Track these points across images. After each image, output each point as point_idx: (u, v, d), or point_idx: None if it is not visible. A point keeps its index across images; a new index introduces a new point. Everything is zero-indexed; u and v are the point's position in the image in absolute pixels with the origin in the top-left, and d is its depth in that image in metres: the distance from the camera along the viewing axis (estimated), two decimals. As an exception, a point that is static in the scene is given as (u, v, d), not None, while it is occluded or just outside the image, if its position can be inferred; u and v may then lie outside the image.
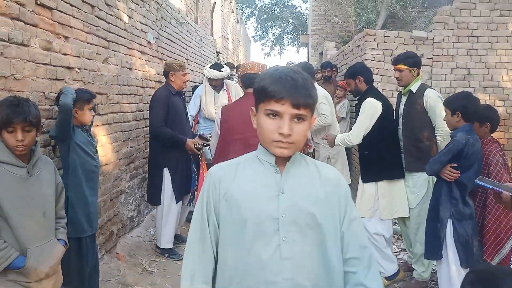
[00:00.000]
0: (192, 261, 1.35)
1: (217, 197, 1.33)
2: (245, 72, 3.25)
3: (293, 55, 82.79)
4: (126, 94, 4.45)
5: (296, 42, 26.30)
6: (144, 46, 5.10)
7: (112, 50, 4.12)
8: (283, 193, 1.29)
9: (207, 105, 5.32)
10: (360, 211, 3.65)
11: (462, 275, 2.84)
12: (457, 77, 6.27)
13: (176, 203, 4.28)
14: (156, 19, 5.65)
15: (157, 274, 3.98)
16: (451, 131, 3.08)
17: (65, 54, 3.15)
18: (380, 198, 3.67)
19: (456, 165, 2.94)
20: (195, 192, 4.34)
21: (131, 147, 4.64)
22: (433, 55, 6.26)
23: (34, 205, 2.13)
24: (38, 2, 2.83)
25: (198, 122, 5.63)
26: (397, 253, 4.49)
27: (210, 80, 5.25)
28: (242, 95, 5.42)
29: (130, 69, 4.57)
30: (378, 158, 3.65)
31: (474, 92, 6.23)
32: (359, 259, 1.32)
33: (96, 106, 3.16)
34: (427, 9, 14.39)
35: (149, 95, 5.20)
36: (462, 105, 2.95)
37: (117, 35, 4.25)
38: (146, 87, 5.11)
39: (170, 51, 6.35)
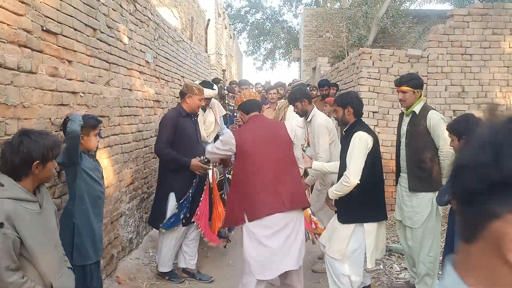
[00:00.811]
0: None
1: None
2: (245, 100, 3.42)
3: (284, 70, 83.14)
4: (127, 116, 4.46)
5: (287, 57, 26.53)
6: (143, 66, 5.12)
7: (113, 71, 4.13)
8: None
9: None
10: (329, 250, 3.41)
11: None
12: (451, 94, 6.38)
13: (183, 226, 4.21)
14: (154, 39, 5.68)
15: (159, 298, 3.95)
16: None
17: (70, 79, 3.16)
18: (367, 242, 3.32)
19: None
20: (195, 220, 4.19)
21: (130, 168, 4.62)
22: (428, 72, 6.37)
23: (49, 238, 2.10)
24: (44, 28, 2.84)
25: None
26: (398, 272, 4.51)
27: None
28: (223, 113, 5.56)
29: (130, 90, 4.58)
30: (367, 197, 3.31)
31: (469, 109, 6.34)
32: None
33: (100, 131, 3.15)
34: (417, 24, 14.65)
35: (148, 115, 5.22)
36: (467, 129, 2.95)
37: (118, 56, 4.27)
38: (145, 107, 5.12)
39: (167, 70, 6.38)
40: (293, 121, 5.54)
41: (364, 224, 3.31)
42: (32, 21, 2.68)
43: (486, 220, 0.60)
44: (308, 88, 6.85)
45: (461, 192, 0.64)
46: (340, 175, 3.41)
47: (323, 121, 4.42)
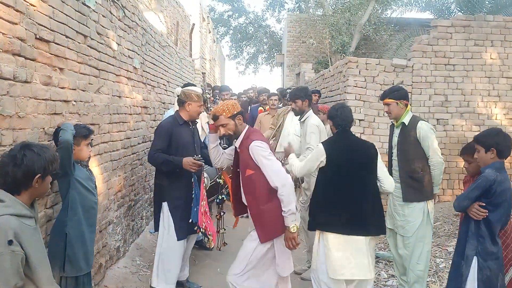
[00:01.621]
0: None
1: None
2: (234, 113, 3.35)
3: (267, 74, 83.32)
4: (116, 123, 4.43)
5: (270, 61, 26.64)
6: (131, 72, 5.09)
7: (102, 78, 4.10)
8: None
9: None
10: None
11: None
12: (435, 103, 6.53)
13: (178, 240, 4.01)
14: (142, 44, 5.66)
15: (149, 307, 3.92)
16: (481, 168, 3.00)
17: (62, 88, 3.13)
18: (329, 253, 3.18)
19: (484, 204, 2.89)
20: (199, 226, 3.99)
21: (119, 175, 4.59)
22: (413, 82, 6.51)
23: (45, 254, 2.08)
24: (38, 36, 2.81)
25: None
26: (386, 279, 4.59)
27: None
28: (207, 120, 5.51)
29: (119, 97, 4.55)
30: (328, 206, 3.27)
31: (452, 118, 6.50)
32: None
33: (92, 140, 3.13)
34: (398, 32, 14.92)
35: (136, 122, 5.20)
36: (496, 142, 2.91)
37: (107, 63, 4.24)
38: (134, 114, 5.09)
39: (154, 75, 6.36)
40: (290, 129, 5.59)
41: (326, 233, 3.22)
42: (26, 29, 2.66)
43: None
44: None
45: None
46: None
47: (316, 122, 4.59)
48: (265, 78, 74.99)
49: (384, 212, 3.43)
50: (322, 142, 3.43)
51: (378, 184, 3.33)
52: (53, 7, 3.03)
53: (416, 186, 3.76)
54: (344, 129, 3.43)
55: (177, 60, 8.66)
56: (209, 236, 4.13)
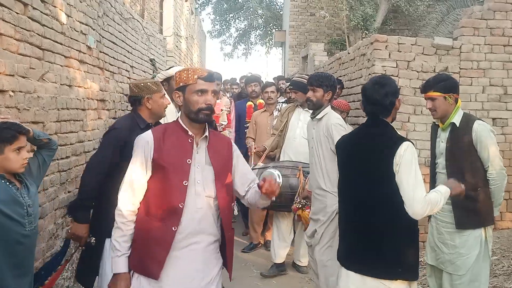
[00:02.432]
0: None
1: None
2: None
3: (262, 58, 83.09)
4: (65, 121, 4.46)
5: (267, 40, 26.79)
6: (84, 53, 5.13)
7: (48, 61, 4.14)
8: None
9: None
10: None
11: None
12: (490, 97, 6.61)
13: None
14: (98, 16, 5.71)
15: None
16: None
17: (-4, 73, 3.15)
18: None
19: None
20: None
21: (69, 191, 4.62)
22: (460, 68, 6.58)
23: None
24: (-37, 4, 2.85)
25: None
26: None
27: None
28: None
29: (70, 86, 4.59)
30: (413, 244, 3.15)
31: (512, 116, 6.59)
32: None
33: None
34: (439, 2, 15.06)
35: (91, 120, 5.23)
36: None
37: (53, 40, 4.28)
38: (88, 109, 5.13)
39: (113, 57, 6.40)
40: (297, 130, 5.63)
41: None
42: (-51, -6, 2.69)
43: None
44: None
45: None
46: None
47: (341, 121, 4.52)
48: (260, 63, 75.06)
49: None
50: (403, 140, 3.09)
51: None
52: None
53: (472, 207, 3.75)
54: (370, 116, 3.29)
55: (144, 38, 8.70)
56: None
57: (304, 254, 5.79)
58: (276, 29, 23.23)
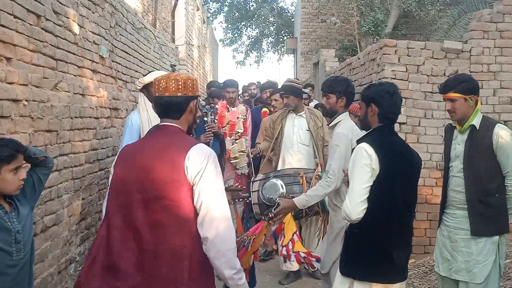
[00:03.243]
0: None
1: None
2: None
3: (274, 65, 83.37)
4: (79, 129, 4.53)
5: (278, 48, 26.87)
6: (97, 63, 5.21)
7: (61, 71, 4.21)
8: None
9: None
10: None
11: None
12: (501, 100, 6.60)
13: None
14: (110, 27, 5.79)
15: None
16: None
17: (11, 83, 3.23)
18: None
19: None
20: None
21: (83, 199, 4.68)
22: (470, 72, 6.56)
23: None
24: (-22, 16, 2.92)
25: None
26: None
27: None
28: None
29: (82, 95, 4.66)
30: (373, 244, 3.21)
31: (524, 119, 6.56)
32: None
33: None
34: (450, 7, 15.03)
35: (104, 128, 5.30)
36: None
37: (67, 51, 4.36)
38: (101, 117, 5.20)
39: (126, 66, 6.48)
40: (294, 137, 5.57)
41: (373, 284, 3.20)
42: (-36, 7, 2.77)
43: None
44: None
45: None
46: None
47: (344, 130, 4.14)
48: (272, 70, 75.17)
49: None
50: (366, 143, 3.20)
51: None
52: (-2, -22, 3.14)
53: (489, 214, 3.64)
54: (392, 125, 3.39)
55: (156, 47, 8.80)
56: None
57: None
58: (288, 36, 23.30)
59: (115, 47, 6.04)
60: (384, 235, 3.17)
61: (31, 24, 3.65)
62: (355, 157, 3.17)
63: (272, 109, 7.08)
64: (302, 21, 17.74)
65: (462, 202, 3.71)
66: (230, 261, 2.48)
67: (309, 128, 5.75)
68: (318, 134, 5.77)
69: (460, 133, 3.81)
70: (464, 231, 3.72)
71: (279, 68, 73.01)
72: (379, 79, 6.54)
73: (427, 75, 6.47)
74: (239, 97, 9.69)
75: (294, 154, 5.73)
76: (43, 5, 3.85)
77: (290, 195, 4.51)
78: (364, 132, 3.61)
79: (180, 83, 2.57)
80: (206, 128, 5.79)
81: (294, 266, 5.46)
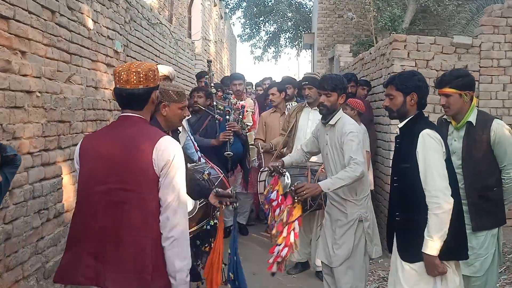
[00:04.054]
0: None
1: None
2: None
3: (292, 60, 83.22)
4: (92, 121, 4.69)
5: (296, 43, 26.88)
6: (111, 57, 5.36)
7: (75, 64, 4.37)
8: None
9: None
10: None
11: None
12: (511, 95, 6.62)
13: None
14: (125, 22, 5.95)
15: None
16: None
17: (24, 76, 3.39)
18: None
19: None
20: None
21: (95, 188, 4.83)
22: (480, 67, 6.61)
23: None
24: (-6, 12, 3.08)
25: None
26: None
27: None
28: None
29: (96, 88, 4.81)
30: (454, 223, 3.16)
31: (534, 114, 6.59)
32: None
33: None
34: (469, 1, 14.93)
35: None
36: None
37: (80, 45, 4.51)
38: (114, 110, 5.35)
39: (141, 61, 6.61)
40: (307, 130, 5.53)
41: (446, 262, 3.16)
42: (-20, 3, 2.93)
43: None
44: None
45: None
46: (401, 197, 3.30)
47: (354, 128, 4.16)
48: (289, 66, 74.73)
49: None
50: (428, 128, 3.18)
51: None
52: (13, -25, 3.30)
53: (489, 208, 3.69)
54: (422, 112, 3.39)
55: (172, 42, 8.94)
56: None
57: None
58: (305, 32, 23.32)
59: (130, 42, 6.20)
60: (457, 214, 3.14)
61: (45, 20, 3.81)
62: (427, 145, 3.11)
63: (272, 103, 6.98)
64: (319, 16, 17.75)
65: (464, 198, 3.66)
66: (182, 252, 2.53)
67: None
68: None
69: (456, 129, 3.80)
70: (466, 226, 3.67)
71: (297, 63, 72.70)
72: (388, 73, 6.60)
73: (436, 70, 6.50)
74: (252, 91, 9.79)
75: None
76: (58, 1, 4.00)
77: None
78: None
79: (141, 75, 2.55)
80: (226, 126, 5.89)
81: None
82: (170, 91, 3.62)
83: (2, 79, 3.10)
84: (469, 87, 3.72)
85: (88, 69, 4.70)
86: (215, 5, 16.23)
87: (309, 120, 5.70)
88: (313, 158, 5.31)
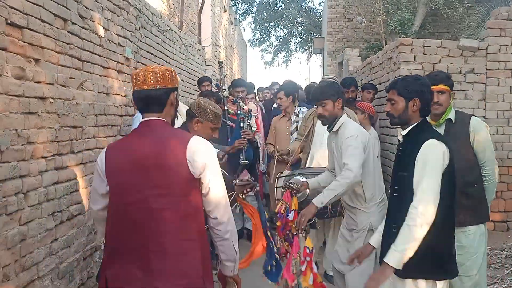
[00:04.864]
0: None
1: None
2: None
3: (303, 65, 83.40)
4: (103, 126, 4.81)
5: (306, 48, 26.98)
6: (122, 64, 5.49)
7: (86, 71, 4.49)
8: None
9: None
10: None
11: None
12: (518, 98, 6.67)
13: None
14: (135, 29, 6.07)
15: None
16: None
17: (38, 82, 3.51)
18: None
19: None
20: None
21: (107, 191, 4.95)
22: (487, 69, 6.67)
23: None
24: (9, 21, 3.20)
25: None
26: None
27: None
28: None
29: (107, 94, 4.94)
30: (439, 242, 3.05)
31: (541, 115, 6.63)
32: None
33: None
34: (479, 4, 14.93)
35: (128, 126, 5.57)
36: None
37: (92, 52, 4.63)
38: (125, 115, 5.48)
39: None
40: (324, 135, 5.10)
41: (436, 282, 3.05)
42: (-5, 13, 3.05)
43: None
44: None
45: None
46: (399, 207, 3.09)
47: (354, 132, 4.08)
48: (299, 70, 74.76)
49: None
50: (433, 138, 3.04)
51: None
52: (26, -14, 3.42)
53: (472, 204, 3.75)
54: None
55: (182, 48, 9.08)
56: None
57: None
58: (315, 36, 23.41)
59: (140, 48, 6.32)
60: (447, 230, 3.08)
61: (58, 28, 3.92)
62: (429, 156, 2.98)
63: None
64: (329, 21, 17.86)
65: None
66: (235, 242, 2.65)
67: None
68: None
69: (436, 127, 3.75)
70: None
71: (308, 68, 72.76)
72: (395, 77, 6.67)
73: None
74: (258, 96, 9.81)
75: (323, 152, 5.41)
76: (69, 10, 4.12)
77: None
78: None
79: (158, 75, 2.51)
80: (241, 134, 5.89)
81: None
82: (208, 110, 3.70)
83: (17, 86, 3.22)
84: (453, 86, 3.88)
85: (100, 75, 4.82)
86: (225, 11, 16.38)
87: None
88: (323, 164, 5.24)
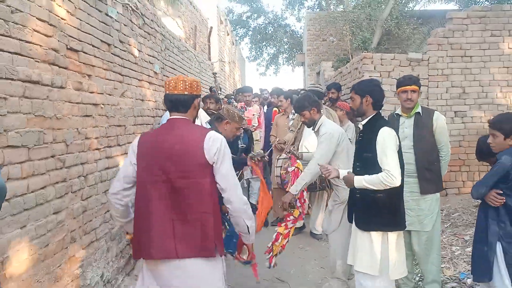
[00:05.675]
0: None
1: None
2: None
3: (288, 75, 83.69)
4: (140, 124, 4.87)
5: (291, 61, 26.94)
6: (152, 77, 5.54)
7: (126, 83, 4.54)
8: None
9: None
10: (360, 266, 3.17)
11: None
12: (452, 96, 6.75)
13: None
14: (161, 50, 6.12)
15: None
16: (496, 153, 3.05)
17: (92, 92, 3.57)
18: (390, 253, 3.10)
19: (501, 191, 2.96)
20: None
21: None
22: (429, 75, 6.75)
23: None
24: (68, 47, 3.26)
25: None
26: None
27: None
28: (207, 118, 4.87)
29: (142, 100, 5.00)
30: (391, 202, 3.11)
31: (470, 109, 6.72)
32: None
33: None
34: (422, 25, 15.00)
35: (158, 124, 5.63)
36: None
37: (130, 68, 4.68)
38: (156, 116, 5.54)
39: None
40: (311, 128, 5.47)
41: (388, 233, 3.10)
42: (58, 41, 3.10)
43: None
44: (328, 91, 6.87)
45: None
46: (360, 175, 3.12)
47: (328, 130, 4.04)
48: (286, 79, 75.10)
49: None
50: (385, 126, 3.06)
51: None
52: (80, 20, 3.48)
53: (431, 177, 3.85)
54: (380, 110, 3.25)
55: (196, 64, 9.13)
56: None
57: (319, 224, 5.68)
58: (298, 52, 23.41)
59: (165, 65, 6.38)
60: (397, 193, 3.10)
61: (104, 51, 3.98)
62: (386, 139, 3.00)
63: (281, 109, 7.03)
64: (308, 41, 17.89)
65: (412, 171, 3.78)
66: (249, 213, 2.57)
67: None
68: None
69: (407, 119, 3.90)
70: (415, 193, 3.83)
71: (292, 77, 72.86)
72: (360, 82, 6.75)
73: (396, 79, 6.60)
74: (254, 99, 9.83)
75: (311, 141, 5.44)
76: (112, 37, 4.17)
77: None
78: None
79: (187, 84, 2.51)
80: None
81: None
82: (235, 113, 3.84)
83: (76, 96, 3.29)
84: (421, 87, 3.95)
85: (136, 86, 4.87)
86: (228, 34, 16.37)
87: None
88: (310, 149, 5.28)
